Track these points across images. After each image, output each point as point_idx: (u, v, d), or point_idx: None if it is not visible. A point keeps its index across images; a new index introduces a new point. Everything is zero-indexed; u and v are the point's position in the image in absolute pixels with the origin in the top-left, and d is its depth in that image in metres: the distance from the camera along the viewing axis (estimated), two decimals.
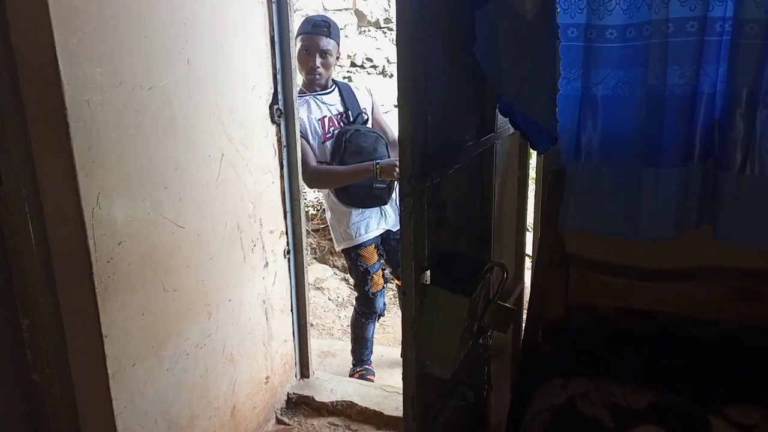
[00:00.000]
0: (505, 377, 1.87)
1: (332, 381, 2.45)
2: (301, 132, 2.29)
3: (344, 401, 2.31)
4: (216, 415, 1.92)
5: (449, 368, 1.12)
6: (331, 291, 4.10)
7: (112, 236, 1.45)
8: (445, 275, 1.17)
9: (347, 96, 2.48)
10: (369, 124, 2.50)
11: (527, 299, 1.75)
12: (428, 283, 1.12)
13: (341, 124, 2.43)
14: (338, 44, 2.40)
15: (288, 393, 2.37)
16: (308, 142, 2.36)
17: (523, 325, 1.73)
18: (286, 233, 2.28)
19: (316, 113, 2.40)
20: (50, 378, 1.49)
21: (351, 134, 2.38)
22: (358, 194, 2.39)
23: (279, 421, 2.28)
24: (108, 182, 1.43)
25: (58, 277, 1.43)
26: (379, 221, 2.49)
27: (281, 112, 2.16)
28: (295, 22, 2.24)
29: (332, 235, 2.57)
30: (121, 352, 1.51)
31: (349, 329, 3.10)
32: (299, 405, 2.35)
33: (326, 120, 2.41)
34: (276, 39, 2.10)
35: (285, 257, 2.27)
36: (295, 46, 2.22)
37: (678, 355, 1.56)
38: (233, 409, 2.02)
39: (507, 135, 1.62)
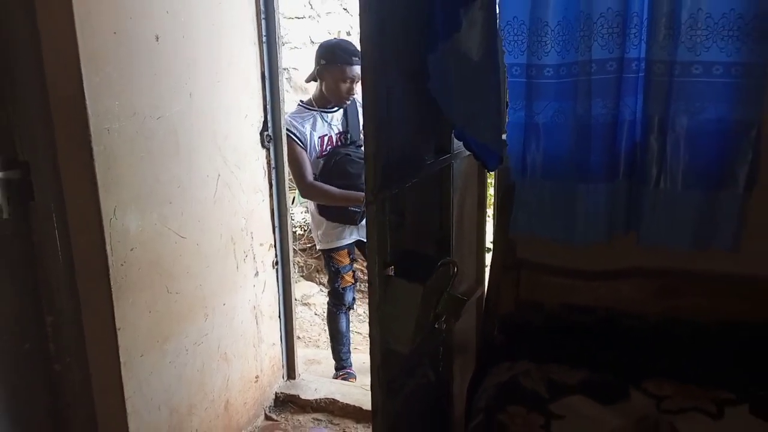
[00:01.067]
0: (471, 367, 2.12)
1: (316, 382, 2.68)
2: (301, 143, 2.56)
3: (327, 399, 2.54)
4: (211, 407, 2.14)
5: (408, 345, 1.36)
6: (317, 306, 4.33)
7: (125, 243, 1.70)
8: (407, 270, 1.43)
9: (351, 116, 2.70)
10: None
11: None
12: (391, 275, 1.38)
13: (338, 143, 2.66)
14: None
15: (276, 392, 2.60)
16: (307, 154, 2.60)
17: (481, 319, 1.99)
18: (275, 246, 2.53)
19: (320, 130, 2.62)
20: (70, 367, 1.72)
21: (340, 158, 2.61)
22: (335, 210, 2.64)
23: (267, 417, 2.50)
24: (123, 197, 1.68)
25: (79, 279, 1.67)
26: (351, 232, 2.75)
27: (270, 137, 2.43)
28: (284, 58, 2.51)
29: (312, 234, 2.89)
30: (131, 344, 1.75)
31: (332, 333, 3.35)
32: (286, 403, 2.58)
33: (326, 139, 2.64)
34: (266, 74, 2.37)
35: (273, 268, 2.52)
36: (326, 70, 2.54)
37: (613, 344, 1.82)
38: (226, 403, 2.24)
39: (465, 156, 1.89)
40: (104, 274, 1.64)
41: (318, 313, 4.25)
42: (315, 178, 2.61)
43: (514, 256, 1.95)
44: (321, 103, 2.64)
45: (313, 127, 2.61)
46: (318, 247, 2.84)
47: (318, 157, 2.61)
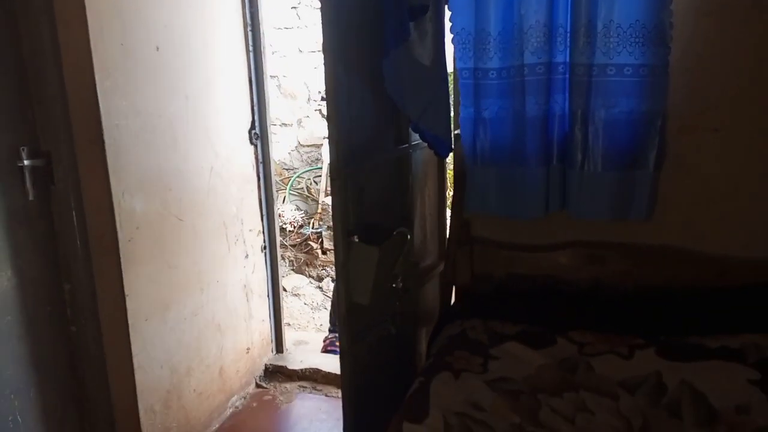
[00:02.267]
0: None
1: (302, 354, 2.98)
2: None
3: (312, 368, 2.83)
4: (207, 372, 2.43)
5: (367, 297, 1.66)
6: (307, 297, 4.62)
7: (132, 222, 2.00)
8: (368, 237, 1.74)
9: None
10: None
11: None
12: (353, 239, 1.68)
13: None
14: None
15: (265, 364, 2.89)
16: None
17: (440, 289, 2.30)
18: (263, 232, 2.82)
19: None
20: (84, 329, 2.01)
21: None
22: None
23: (258, 386, 2.79)
24: (130, 183, 1.98)
25: (93, 252, 1.96)
26: None
27: (257, 135, 2.73)
28: (273, 66, 2.80)
29: None
30: (137, 309, 2.04)
31: (321, 328, 3.64)
32: (275, 373, 2.87)
33: None
34: (253, 79, 2.68)
35: (262, 252, 2.81)
36: None
37: (549, 304, 2.12)
38: (221, 369, 2.53)
39: (424, 146, 2.20)
40: (114, 249, 1.94)
41: (307, 303, 4.54)
42: None
43: (468, 233, 2.26)
44: None
45: None
46: None
47: None
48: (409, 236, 1.82)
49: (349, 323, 1.69)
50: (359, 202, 1.73)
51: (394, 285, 1.82)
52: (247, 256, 2.70)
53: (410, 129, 2.05)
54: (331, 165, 1.61)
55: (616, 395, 1.57)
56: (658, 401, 1.53)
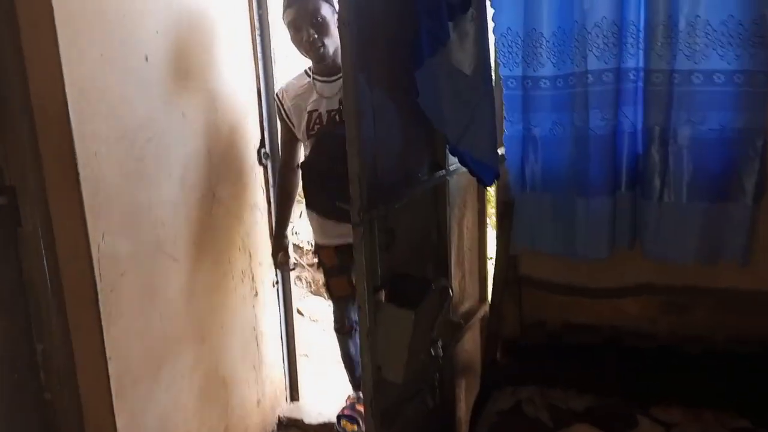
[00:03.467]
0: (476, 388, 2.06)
1: (321, 403, 2.63)
2: (288, 118, 2.12)
3: (331, 423, 2.47)
4: None
5: (401, 375, 1.31)
6: (326, 322, 4.28)
7: (116, 268, 1.67)
8: (399, 294, 1.38)
9: None
10: None
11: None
12: (382, 299, 1.33)
13: (328, 122, 2.06)
14: (335, 10, 1.96)
15: (279, 416, 2.54)
16: (296, 131, 2.13)
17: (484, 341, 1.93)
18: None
19: (311, 104, 2.07)
20: (61, 396, 1.68)
21: (329, 140, 2.03)
22: (321, 202, 2.12)
23: None
24: (112, 221, 1.65)
25: (69, 306, 1.64)
26: (346, 232, 2.18)
27: (268, 155, 2.40)
28: (279, 77, 2.46)
29: None
30: (123, 372, 1.71)
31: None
32: (289, 427, 2.52)
33: (314, 115, 2.08)
34: (262, 91, 2.35)
35: (273, 287, 2.48)
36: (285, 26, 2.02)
37: (620, 364, 1.75)
38: (226, 429, 2.19)
39: (462, 171, 1.84)
40: (93, 301, 1.61)
41: (325, 329, 4.20)
42: (304, 162, 2.15)
43: (516, 272, 1.90)
44: (318, 69, 2.08)
45: (304, 98, 2.09)
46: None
47: (307, 137, 2.10)
48: (450, 290, 1.46)
49: (376, 404, 1.33)
50: (388, 249, 1.38)
51: (433, 352, 1.46)
52: (256, 294, 2.36)
53: (447, 151, 1.70)
54: (353, 205, 1.26)
55: None
56: None
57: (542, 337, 1.87)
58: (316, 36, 1.95)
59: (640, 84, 1.64)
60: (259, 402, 2.40)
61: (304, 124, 2.08)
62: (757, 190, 1.58)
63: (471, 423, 1.66)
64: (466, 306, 1.99)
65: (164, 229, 1.85)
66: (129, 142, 1.70)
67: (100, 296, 1.62)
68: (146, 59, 1.75)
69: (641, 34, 1.60)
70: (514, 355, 1.84)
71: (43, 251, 1.59)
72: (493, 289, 1.89)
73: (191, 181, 1.96)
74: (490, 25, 1.71)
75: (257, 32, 2.28)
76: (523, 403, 1.56)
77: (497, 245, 1.90)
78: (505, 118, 1.80)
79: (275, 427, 2.51)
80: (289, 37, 2.02)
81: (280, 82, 2.34)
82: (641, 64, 1.62)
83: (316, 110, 2.07)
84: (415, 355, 1.34)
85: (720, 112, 1.56)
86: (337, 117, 2.04)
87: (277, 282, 2.50)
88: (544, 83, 1.72)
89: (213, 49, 2.05)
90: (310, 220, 2.22)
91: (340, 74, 1.73)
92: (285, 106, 2.13)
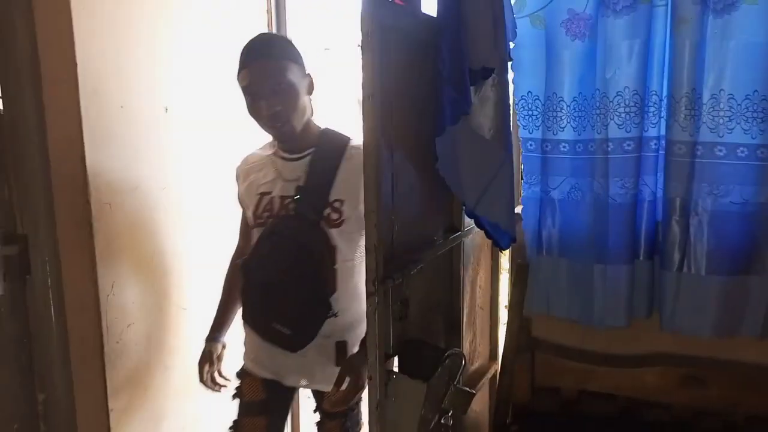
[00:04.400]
0: None
1: None
2: (241, 201, 1.66)
3: None
4: None
5: None
6: None
7: (123, 319, 1.64)
8: (410, 361, 1.34)
9: (320, 171, 1.54)
10: (345, 226, 1.52)
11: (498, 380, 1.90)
12: (394, 367, 1.29)
13: (279, 211, 1.56)
14: (304, 70, 1.53)
15: None
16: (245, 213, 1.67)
17: (494, 404, 1.88)
18: None
19: (264, 185, 1.59)
20: None
21: (277, 236, 1.53)
22: (253, 316, 1.60)
23: None
24: (121, 272, 1.64)
25: (74, 356, 1.60)
26: (283, 365, 1.62)
27: None
28: None
29: None
30: (125, 425, 1.67)
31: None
32: None
33: (265, 199, 1.58)
34: None
35: None
36: (241, 91, 1.52)
37: None
38: None
39: (476, 230, 1.81)
40: (98, 353, 1.58)
41: None
42: (244, 259, 1.61)
43: (529, 336, 1.86)
44: (281, 146, 1.60)
45: (259, 176, 1.61)
46: None
47: (254, 225, 1.60)
48: (464, 360, 1.42)
49: None
50: (401, 318, 1.35)
51: (443, 421, 1.42)
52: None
53: (464, 213, 1.68)
54: (368, 275, 1.23)
55: None
56: None
57: (555, 403, 1.82)
58: (278, 109, 1.46)
59: (662, 153, 1.62)
60: None
61: (252, 208, 1.59)
62: None
63: None
64: (476, 365, 1.95)
65: (171, 278, 1.84)
66: (142, 193, 1.69)
67: (105, 347, 1.60)
68: (166, 110, 1.76)
69: (664, 104, 1.59)
70: (525, 422, 1.79)
71: (51, 302, 1.57)
72: (504, 351, 1.85)
73: (206, 229, 1.95)
74: (511, 87, 1.71)
75: None
76: None
77: (510, 307, 1.86)
78: (523, 179, 1.78)
79: None
80: (242, 92, 1.51)
81: None
82: (663, 133, 1.61)
83: (269, 193, 1.57)
84: (424, 426, 1.30)
85: (743, 186, 1.54)
86: (291, 207, 1.53)
87: None
88: (564, 147, 1.70)
89: (236, 94, 2.06)
90: (246, 334, 1.70)
91: (309, 151, 1.54)
92: (239, 184, 1.66)
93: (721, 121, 1.52)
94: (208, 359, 1.71)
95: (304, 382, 1.65)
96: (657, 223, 1.67)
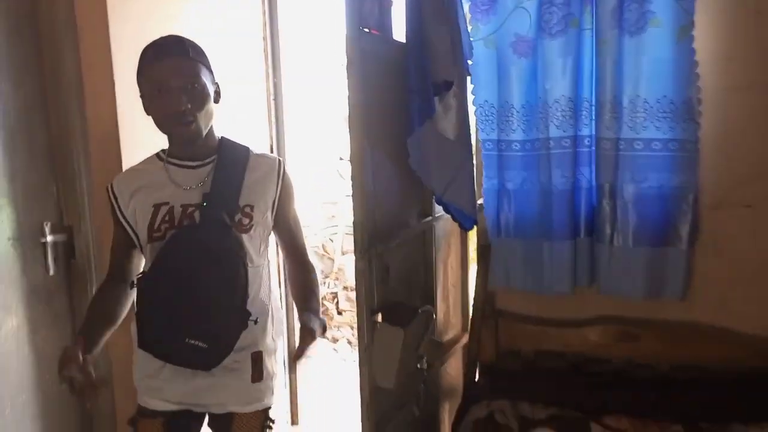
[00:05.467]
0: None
1: (319, 428, 2.87)
2: (119, 211, 1.50)
3: None
4: None
5: (392, 381, 1.59)
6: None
7: None
8: (391, 315, 1.68)
9: (226, 177, 1.49)
10: (253, 232, 1.50)
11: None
12: (377, 320, 1.63)
13: (182, 221, 1.46)
14: (213, 78, 1.50)
15: None
16: (128, 230, 1.51)
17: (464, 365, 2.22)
18: (280, 298, 2.77)
19: (157, 195, 1.48)
20: (99, 407, 1.95)
21: (185, 249, 1.43)
22: (158, 338, 1.44)
23: None
24: None
25: None
26: (187, 388, 1.51)
27: None
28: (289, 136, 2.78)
29: None
30: None
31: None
32: None
33: (164, 210, 1.47)
34: (274, 148, 2.69)
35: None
36: (142, 92, 1.47)
37: (580, 383, 2.03)
38: None
39: (447, 218, 2.16)
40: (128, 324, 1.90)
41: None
42: (141, 277, 1.45)
43: (493, 307, 2.19)
44: (177, 152, 1.52)
45: (150, 189, 1.49)
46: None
47: (149, 240, 1.47)
48: (434, 315, 1.76)
49: (371, 408, 1.61)
50: (383, 281, 1.69)
51: (418, 365, 1.75)
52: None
53: (434, 202, 2.02)
54: (356, 245, 1.57)
55: None
56: None
57: (516, 362, 2.15)
58: (189, 107, 1.40)
59: (593, 148, 1.97)
60: None
61: (147, 222, 1.47)
62: (690, 237, 1.89)
63: (452, 430, 1.93)
64: (450, 335, 2.28)
65: None
66: None
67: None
68: None
69: (593, 109, 1.94)
70: (490, 378, 2.12)
71: (94, 280, 1.89)
72: (472, 320, 2.19)
73: None
74: (471, 97, 2.06)
75: (272, 97, 2.63)
76: (495, 413, 1.83)
77: (476, 282, 2.20)
78: (483, 174, 2.13)
79: None
80: (142, 102, 1.47)
81: (290, 140, 2.68)
82: (593, 132, 1.96)
83: (167, 203, 1.47)
84: (404, 366, 1.63)
85: (658, 173, 1.88)
86: (197, 215, 1.45)
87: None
88: (516, 146, 2.05)
89: (234, 112, 2.40)
90: (140, 367, 1.55)
91: (212, 158, 1.49)
92: (122, 201, 1.50)
93: (638, 120, 1.87)
94: (74, 359, 1.33)
95: (217, 406, 1.54)
96: (593, 207, 2.02)
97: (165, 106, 1.42)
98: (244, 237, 1.48)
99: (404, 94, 1.73)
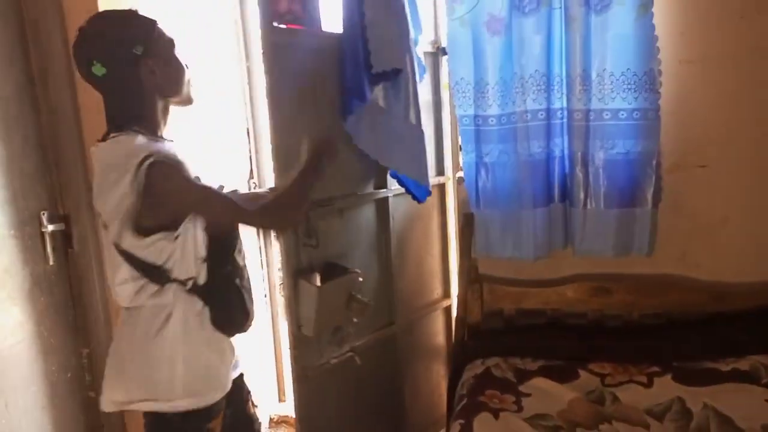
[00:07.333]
0: (441, 364, 2.52)
1: None
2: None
3: None
4: None
5: (311, 331, 1.73)
6: None
7: None
8: (324, 275, 1.83)
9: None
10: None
11: (455, 309, 2.38)
12: (317, 280, 1.79)
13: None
14: None
15: (270, 415, 2.85)
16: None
17: (453, 327, 2.36)
18: (264, 279, 2.83)
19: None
20: None
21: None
22: (232, 302, 1.50)
23: None
24: None
25: (113, 316, 1.94)
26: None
27: (256, 184, 2.76)
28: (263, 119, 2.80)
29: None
30: None
31: None
32: (279, 423, 2.84)
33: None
34: (251, 130, 2.72)
35: (264, 298, 2.81)
36: (151, 59, 1.35)
37: (562, 338, 2.21)
38: None
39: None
40: None
41: None
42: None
43: (477, 273, 2.33)
44: (153, 128, 1.41)
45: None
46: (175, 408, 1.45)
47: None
48: (360, 277, 1.89)
49: (298, 354, 1.79)
50: (317, 245, 1.79)
51: (356, 320, 1.90)
52: None
53: (389, 175, 2.13)
54: None
55: (647, 424, 1.65)
56: (687, 426, 1.62)
57: (500, 321, 2.30)
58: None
59: (566, 120, 2.13)
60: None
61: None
62: (655, 198, 2.08)
63: (449, 391, 2.07)
64: (433, 296, 2.44)
65: None
66: None
67: None
68: None
69: (564, 82, 2.09)
70: (477, 336, 2.27)
71: (94, 269, 1.89)
72: (459, 286, 2.33)
73: None
74: (446, 74, 2.17)
75: (246, 79, 2.65)
76: (491, 368, 1.98)
77: (459, 251, 2.34)
78: (461, 148, 2.25)
79: (267, 424, 2.82)
80: (146, 67, 1.35)
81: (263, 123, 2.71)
82: (566, 104, 2.11)
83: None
84: (324, 318, 1.76)
85: (625, 140, 2.06)
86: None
87: (265, 295, 2.84)
88: (492, 120, 2.17)
89: (210, 95, 2.42)
90: (208, 363, 1.46)
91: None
92: (189, 169, 1.42)
93: (605, 92, 2.02)
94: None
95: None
96: (565, 174, 2.19)
97: (183, 67, 1.41)
98: None
99: (339, 82, 1.84)
